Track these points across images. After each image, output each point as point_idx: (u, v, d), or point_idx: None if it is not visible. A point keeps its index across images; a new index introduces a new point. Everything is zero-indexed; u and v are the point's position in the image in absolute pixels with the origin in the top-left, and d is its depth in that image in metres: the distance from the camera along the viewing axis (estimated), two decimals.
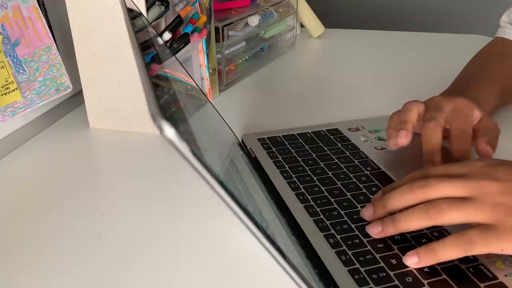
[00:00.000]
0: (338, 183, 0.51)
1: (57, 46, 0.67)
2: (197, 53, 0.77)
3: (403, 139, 0.52)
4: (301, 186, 0.51)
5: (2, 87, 0.61)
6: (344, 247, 0.41)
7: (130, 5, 0.46)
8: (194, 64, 0.77)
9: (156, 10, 0.66)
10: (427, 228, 0.42)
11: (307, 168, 0.54)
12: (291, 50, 1.08)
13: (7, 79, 0.61)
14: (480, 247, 0.37)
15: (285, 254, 0.31)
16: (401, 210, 0.41)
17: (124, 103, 0.68)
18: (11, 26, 0.61)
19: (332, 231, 0.44)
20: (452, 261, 0.39)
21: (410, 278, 0.38)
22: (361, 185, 0.51)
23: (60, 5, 0.66)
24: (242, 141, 0.63)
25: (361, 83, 0.87)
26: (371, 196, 0.48)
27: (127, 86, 0.67)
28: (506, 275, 0.38)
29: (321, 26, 1.16)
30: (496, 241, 0.37)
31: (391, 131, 0.54)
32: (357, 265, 0.39)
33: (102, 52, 0.66)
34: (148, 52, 0.44)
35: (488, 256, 0.39)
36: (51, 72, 0.67)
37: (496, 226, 0.37)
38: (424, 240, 0.42)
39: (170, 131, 0.24)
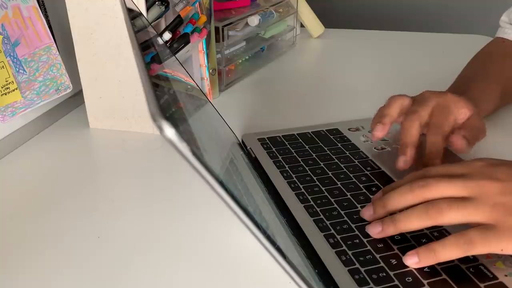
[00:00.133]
0: (338, 183, 0.51)
1: (57, 46, 0.67)
2: (197, 53, 0.77)
3: (379, 132, 0.54)
4: (301, 186, 0.51)
5: (2, 87, 0.61)
6: (344, 247, 0.41)
7: (130, 5, 0.46)
8: (194, 64, 0.77)
9: (156, 10, 0.66)
10: (427, 228, 0.42)
11: (307, 168, 0.54)
12: (291, 50, 1.08)
13: (7, 79, 0.61)
14: (480, 247, 0.37)
15: (285, 254, 0.31)
16: (401, 210, 0.41)
17: (124, 103, 0.68)
18: (11, 26, 0.61)
19: (332, 231, 0.44)
20: (452, 261, 0.39)
21: (410, 278, 0.38)
22: (361, 185, 0.51)
23: (60, 5, 0.66)
24: (242, 141, 0.63)
25: (361, 83, 0.87)
26: (371, 196, 0.48)
27: (127, 86, 0.67)
28: (506, 275, 0.38)
29: (321, 26, 1.16)
30: (496, 241, 0.37)
31: (372, 124, 0.56)
32: (357, 265, 0.39)
33: (102, 52, 0.66)
34: (148, 52, 0.44)
35: (488, 256, 0.39)
36: (51, 72, 0.67)
37: (496, 226, 0.37)
38: (424, 240, 0.42)
39: (170, 131, 0.24)
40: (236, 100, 0.81)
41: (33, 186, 0.57)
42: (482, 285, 0.37)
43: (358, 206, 0.47)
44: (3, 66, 0.61)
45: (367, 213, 0.44)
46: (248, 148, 0.61)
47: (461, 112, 0.53)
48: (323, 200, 0.48)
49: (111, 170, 0.61)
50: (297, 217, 0.46)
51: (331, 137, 0.62)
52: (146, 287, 0.41)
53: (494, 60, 0.70)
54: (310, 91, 0.85)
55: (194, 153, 0.25)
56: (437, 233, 0.42)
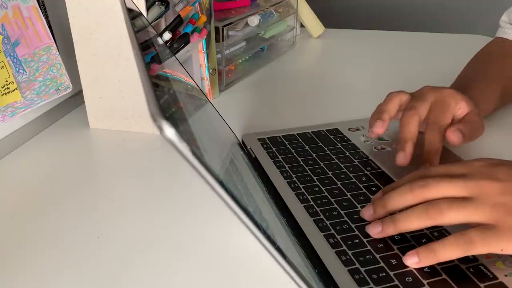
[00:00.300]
0: (338, 183, 0.51)
1: (57, 46, 0.67)
2: (197, 53, 0.77)
3: (378, 128, 0.54)
4: (301, 186, 0.51)
5: (2, 87, 0.61)
6: (344, 247, 0.41)
7: (130, 5, 0.46)
8: (194, 64, 0.77)
9: (156, 10, 0.66)
10: (427, 228, 0.42)
11: (307, 168, 0.54)
12: (291, 50, 1.08)
13: (7, 79, 0.61)
14: (480, 247, 0.37)
15: (285, 254, 0.31)
16: (401, 210, 0.41)
17: (124, 103, 0.68)
18: (11, 26, 0.61)
19: (332, 231, 0.44)
20: (452, 261, 0.39)
21: (410, 278, 0.38)
22: (361, 185, 0.51)
23: (60, 5, 0.66)
24: (242, 141, 0.63)
25: (361, 83, 0.87)
26: (371, 196, 0.48)
27: (127, 86, 0.67)
28: (506, 275, 0.38)
29: (321, 26, 1.16)
30: (496, 241, 0.37)
31: (371, 121, 0.56)
32: (357, 265, 0.39)
33: (102, 52, 0.66)
34: (148, 52, 0.44)
35: (488, 256, 0.39)
36: (51, 72, 0.67)
37: (496, 226, 0.37)
38: (424, 240, 0.42)
39: (170, 131, 0.24)
40: (236, 100, 0.81)
41: (33, 186, 0.57)
42: (482, 285, 0.37)
43: (358, 206, 0.47)
44: (3, 66, 0.61)
45: (367, 213, 0.44)
46: (248, 148, 0.61)
47: (460, 107, 0.53)
48: (323, 200, 0.48)
49: (111, 170, 0.61)
50: (297, 217, 0.46)
51: (331, 137, 0.62)
52: (146, 287, 0.41)
53: (494, 60, 0.70)
54: (310, 91, 0.85)
55: (194, 153, 0.25)
56: (437, 233, 0.42)
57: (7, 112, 0.62)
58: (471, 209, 0.38)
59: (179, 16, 0.69)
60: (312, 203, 0.48)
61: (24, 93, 0.64)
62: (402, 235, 0.42)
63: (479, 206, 0.38)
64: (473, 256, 0.39)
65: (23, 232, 0.49)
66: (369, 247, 0.41)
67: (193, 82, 0.56)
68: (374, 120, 0.55)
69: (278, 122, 0.68)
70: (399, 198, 0.41)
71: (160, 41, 0.60)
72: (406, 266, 0.39)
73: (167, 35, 0.67)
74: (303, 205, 0.48)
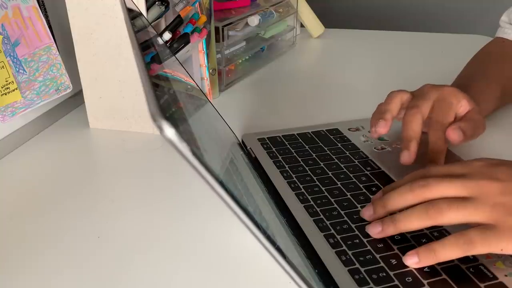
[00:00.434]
0: (338, 183, 0.51)
1: (57, 46, 0.67)
2: (197, 53, 0.77)
3: (381, 128, 0.53)
4: (301, 186, 0.51)
5: (2, 87, 0.61)
6: (344, 247, 0.41)
7: (130, 5, 0.46)
8: (194, 64, 0.77)
9: (156, 10, 0.66)
10: (427, 228, 0.42)
11: (307, 168, 0.54)
12: (291, 50, 1.08)
13: (7, 79, 0.61)
14: (480, 247, 0.37)
15: (285, 254, 0.31)
16: (401, 210, 0.41)
17: (124, 103, 0.68)
18: (11, 26, 0.61)
19: (332, 231, 0.44)
20: (452, 261, 0.39)
21: (410, 278, 0.38)
22: (361, 185, 0.51)
23: (60, 5, 0.66)
24: (242, 141, 0.63)
25: (361, 83, 0.87)
26: (371, 196, 0.48)
27: (127, 86, 0.67)
28: (506, 275, 0.38)
29: (321, 26, 1.16)
30: (496, 241, 0.37)
31: (373, 120, 0.55)
32: (357, 265, 0.39)
33: (102, 52, 0.66)
34: (148, 52, 0.44)
35: (488, 256, 0.39)
36: (51, 72, 0.67)
37: (496, 226, 0.37)
38: (424, 240, 0.42)
39: (170, 131, 0.24)
40: (236, 100, 0.81)
41: (33, 186, 0.57)
42: (482, 285, 0.37)
43: (358, 206, 0.47)
44: (3, 66, 0.61)
45: (367, 213, 0.44)
46: (248, 148, 0.61)
47: (461, 105, 0.53)
48: (323, 200, 0.48)
49: (111, 170, 0.61)
50: (297, 217, 0.46)
51: (331, 137, 0.62)
52: (146, 287, 0.41)
53: (493, 60, 0.70)
54: (310, 91, 0.85)
55: (194, 153, 0.25)
56: (437, 233, 0.42)
57: (7, 112, 0.62)
58: (471, 209, 0.38)
59: (179, 16, 0.69)
60: (312, 203, 0.48)
61: (24, 93, 0.64)
62: (402, 235, 0.42)
63: (479, 206, 0.38)
64: (473, 256, 0.39)
65: (23, 232, 0.49)
66: (369, 247, 0.41)
67: (193, 82, 0.56)
68: (376, 120, 0.55)
69: (278, 122, 0.68)
70: (399, 198, 0.41)
71: (160, 41, 0.60)
72: (406, 266, 0.39)
73: (167, 35, 0.67)
74: (303, 205, 0.48)
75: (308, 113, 0.75)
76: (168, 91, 0.40)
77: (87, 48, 0.66)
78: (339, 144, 0.60)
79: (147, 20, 0.57)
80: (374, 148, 0.59)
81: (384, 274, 0.38)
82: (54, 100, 0.70)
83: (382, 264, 0.39)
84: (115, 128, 0.70)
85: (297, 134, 0.63)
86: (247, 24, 0.94)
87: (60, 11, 0.69)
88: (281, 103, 0.80)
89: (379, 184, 0.51)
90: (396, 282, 0.37)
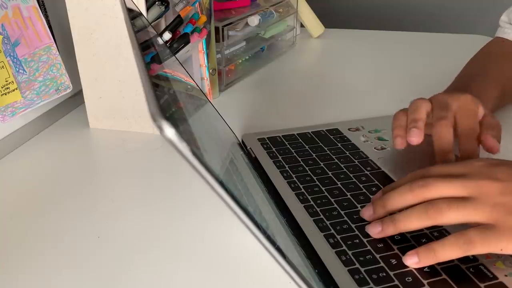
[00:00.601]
0: (338, 183, 0.51)
1: (57, 46, 0.67)
2: (197, 53, 0.77)
3: (416, 137, 0.50)
4: (301, 186, 0.51)
5: (2, 87, 0.61)
6: (344, 247, 0.41)
7: (130, 5, 0.46)
8: (194, 64, 0.77)
9: (156, 10, 0.66)
10: (427, 228, 0.42)
11: (307, 168, 0.54)
12: (291, 50, 1.08)
13: (7, 79, 0.61)
14: (479, 247, 0.37)
15: (285, 254, 0.31)
16: (401, 210, 0.41)
17: (124, 103, 0.68)
18: (11, 26, 0.61)
19: (332, 231, 0.44)
20: (452, 261, 0.39)
21: (410, 278, 0.38)
22: (361, 185, 0.51)
23: (60, 5, 0.66)
24: (242, 141, 0.63)
25: (361, 83, 0.87)
26: (371, 196, 0.48)
27: (127, 86, 0.67)
28: (506, 275, 0.38)
29: (321, 26, 1.16)
30: (495, 241, 0.37)
31: (399, 130, 0.53)
32: (357, 265, 0.39)
33: (102, 52, 0.66)
34: (148, 52, 0.44)
35: (488, 256, 0.40)
36: (51, 72, 0.67)
37: (496, 226, 0.37)
38: (424, 240, 0.42)
39: (170, 131, 0.24)
40: (236, 100, 0.81)
41: (33, 186, 0.57)
42: (482, 285, 0.37)
43: (358, 206, 0.47)
44: (3, 66, 0.61)
45: (367, 213, 0.44)
46: (248, 148, 0.61)
47: (479, 111, 0.53)
48: (323, 200, 0.48)
49: (111, 170, 0.61)
50: (297, 217, 0.46)
51: (331, 137, 0.62)
52: (146, 287, 0.41)
53: (493, 60, 0.70)
54: (310, 91, 0.85)
55: (194, 153, 0.25)
56: (437, 233, 0.42)
57: (7, 112, 0.62)
58: (471, 209, 0.38)
59: (179, 16, 0.69)
60: (312, 203, 0.48)
61: (24, 93, 0.64)
62: (402, 235, 0.42)
63: (479, 206, 0.38)
64: (473, 256, 0.39)
65: (23, 232, 0.49)
66: (369, 247, 0.41)
67: (193, 82, 0.56)
68: (404, 129, 0.52)
69: (278, 122, 0.68)
70: (399, 198, 0.41)
71: (160, 41, 0.60)
72: (406, 266, 0.39)
73: (167, 35, 0.67)
74: (303, 205, 0.48)
75: (308, 113, 0.75)
76: (168, 91, 0.40)
77: (87, 48, 0.66)
78: (339, 144, 0.60)
79: (147, 20, 0.57)
80: (374, 148, 0.59)
81: (384, 274, 0.38)
82: (54, 100, 0.70)
83: (382, 264, 0.39)
84: (115, 128, 0.70)
85: (297, 134, 0.63)
86: (247, 24, 0.94)
87: (60, 11, 0.69)
88: (281, 103, 0.80)
89: (379, 184, 0.51)
90: (396, 282, 0.37)
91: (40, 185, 0.57)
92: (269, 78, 0.92)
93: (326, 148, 0.59)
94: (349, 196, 0.49)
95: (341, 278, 0.38)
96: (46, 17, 0.68)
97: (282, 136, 0.62)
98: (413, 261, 0.39)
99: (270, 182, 0.53)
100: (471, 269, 0.38)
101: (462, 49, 0.81)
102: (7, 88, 0.61)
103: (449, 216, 0.38)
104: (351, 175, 0.53)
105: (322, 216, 0.46)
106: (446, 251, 0.38)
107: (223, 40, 0.84)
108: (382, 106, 0.73)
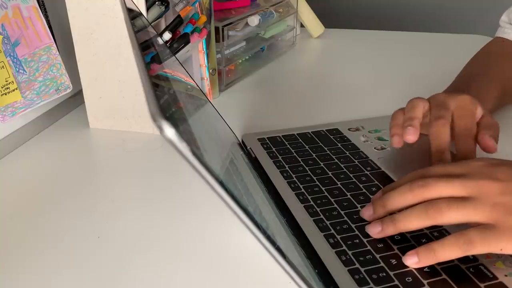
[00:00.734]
0: (338, 183, 0.51)
1: (57, 46, 0.67)
2: (197, 53, 0.77)
3: (411, 135, 0.50)
4: (301, 186, 0.51)
5: (2, 87, 0.61)
6: (344, 247, 0.41)
7: (130, 5, 0.46)
8: (194, 64, 0.77)
9: (156, 10, 0.66)
10: (427, 228, 0.42)
11: (307, 168, 0.54)
12: (291, 50, 1.08)
13: (7, 79, 0.61)
14: (479, 247, 0.37)
15: (285, 254, 0.31)
16: (401, 210, 0.41)
17: (124, 103, 0.68)
18: (11, 26, 0.61)
19: (332, 231, 0.44)
20: (452, 261, 0.39)
21: (410, 278, 0.38)
22: (361, 185, 0.51)
23: (60, 5, 0.66)
24: (242, 141, 0.63)
25: (361, 83, 0.87)
26: (371, 196, 0.48)
27: (127, 86, 0.67)
28: (506, 275, 0.38)
29: (321, 26, 1.16)
30: (495, 241, 0.37)
31: (396, 128, 0.53)
32: (357, 265, 0.39)
33: (102, 52, 0.66)
34: (148, 52, 0.44)
35: (488, 256, 0.40)
36: (51, 72, 0.67)
37: (496, 226, 0.37)
38: (424, 240, 0.42)
39: (170, 131, 0.24)
40: (236, 100, 0.81)
41: (33, 186, 0.57)
42: (482, 285, 0.37)
43: (358, 206, 0.47)
44: (3, 66, 0.61)
45: (367, 213, 0.44)
46: (248, 148, 0.61)
47: (477, 111, 0.53)
48: (323, 200, 0.48)
49: (111, 170, 0.61)
50: (297, 217, 0.46)
51: (331, 137, 0.62)
52: (146, 287, 0.41)
53: (493, 60, 0.70)
54: (310, 91, 0.85)
55: (194, 153, 0.25)
56: (437, 233, 0.42)
57: (7, 112, 0.62)
58: (471, 209, 0.38)
59: (179, 16, 0.69)
60: (312, 203, 0.48)
61: (24, 93, 0.64)
62: (402, 235, 0.42)
63: (479, 206, 0.38)
64: (473, 256, 0.39)
65: (23, 232, 0.49)
66: (369, 247, 0.41)
67: (193, 82, 0.56)
68: (401, 128, 0.52)
69: (278, 122, 0.68)
70: (399, 198, 0.42)
71: (160, 41, 0.60)
72: (406, 266, 0.39)
73: (167, 35, 0.67)
74: (303, 205, 0.48)
75: (308, 113, 0.75)
76: (168, 91, 0.40)
77: (87, 48, 0.66)
78: (339, 144, 0.60)
79: (147, 20, 0.57)
80: (374, 148, 0.59)
81: (384, 274, 0.38)
82: (54, 100, 0.70)
83: (382, 264, 0.39)
84: (115, 128, 0.70)
85: (297, 134, 0.63)
86: (247, 24, 0.94)
87: (60, 11, 0.69)
88: (281, 103, 0.80)
89: (379, 184, 0.51)
90: (396, 282, 0.37)
91: (40, 185, 0.57)
92: (269, 78, 0.92)
93: (326, 148, 0.59)
94: (349, 196, 0.49)
95: (341, 278, 0.38)
96: (46, 17, 0.68)
97: (282, 136, 0.62)
98: (413, 261, 0.39)
99: (270, 182, 0.53)
100: (471, 269, 0.38)
101: (462, 49, 0.81)
102: (7, 88, 0.61)
103: (449, 216, 0.38)
104: (351, 175, 0.53)
105: (322, 216, 0.46)
106: (446, 251, 0.38)
107: (223, 40, 0.84)
108: (382, 106, 0.73)
